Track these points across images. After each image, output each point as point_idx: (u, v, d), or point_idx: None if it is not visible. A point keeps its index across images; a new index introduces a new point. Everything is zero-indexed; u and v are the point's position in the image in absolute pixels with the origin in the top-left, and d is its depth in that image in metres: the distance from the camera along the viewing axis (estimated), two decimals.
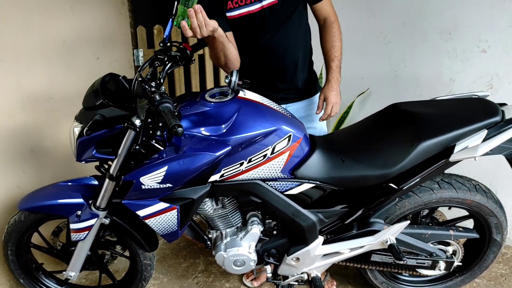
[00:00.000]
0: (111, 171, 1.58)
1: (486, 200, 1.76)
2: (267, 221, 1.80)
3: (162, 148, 1.50)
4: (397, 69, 2.70)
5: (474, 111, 1.61)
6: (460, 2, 2.32)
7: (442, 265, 1.84)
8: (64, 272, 1.84)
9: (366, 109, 2.93)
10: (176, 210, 1.57)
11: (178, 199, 1.57)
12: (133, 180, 1.51)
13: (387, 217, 1.78)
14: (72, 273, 1.83)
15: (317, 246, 1.74)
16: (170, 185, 1.51)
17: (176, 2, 1.65)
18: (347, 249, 1.76)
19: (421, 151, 1.55)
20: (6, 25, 1.98)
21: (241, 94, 1.57)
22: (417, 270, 1.88)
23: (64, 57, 2.20)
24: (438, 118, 1.61)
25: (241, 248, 1.74)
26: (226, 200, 1.71)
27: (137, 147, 1.49)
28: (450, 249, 1.87)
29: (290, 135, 1.54)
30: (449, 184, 1.74)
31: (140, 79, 1.47)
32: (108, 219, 1.74)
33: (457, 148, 1.54)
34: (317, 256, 1.78)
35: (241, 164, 1.53)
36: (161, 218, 1.59)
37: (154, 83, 1.46)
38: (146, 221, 1.60)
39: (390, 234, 1.71)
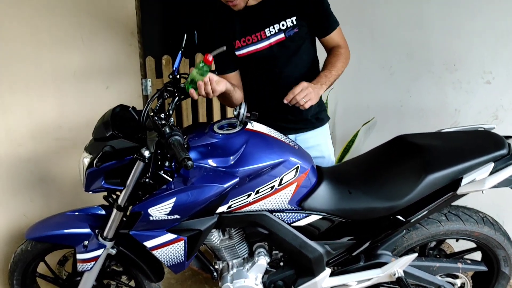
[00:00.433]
0: (119, 201, 1.59)
1: (494, 232, 1.75)
2: (273, 252, 1.79)
3: (171, 179, 1.52)
4: (402, 99, 2.72)
5: (481, 144, 1.62)
6: (464, 34, 2.36)
7: None
8: None
9: (372, 138, 2.94)
10: (183, 241, 1.57)
11: (185, 230, 1.57)
12: (141, 211, 1.51)
13: (394, 249, 1.77)
14: None
15: (324, 278, 1.73)
16: (178, 217, 1.51)
17: (185, 35, 1.69)
18: (354, 281, 1.74)
19: (428, 183, 1.55)
20: (18, 56, 2.03)
21: (249, 126, 1.58)
22: None
23: (74, 86, 2.24)
24: (445, 151, 1.62)
25: (247, 280, 1.72)
26: (233, 231, 1.71)
27: (147, 179, 1.50)
28: (458, 282, 1.85)
29: (298, 167, 1.55)
30: (456, 216, 1.74)
31: (152, 114, 1.49)
32: (115, 249, 1.73)
33: (464, 181, 1.55)
34: None
35: (249, 195, 1.53)
36: (169, 249, 1.59)
37: (163, 114, 1.48)
38: (153, 252, 1.60)
39: (398, 266, 1.70)
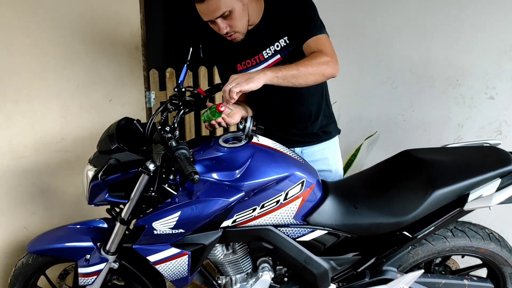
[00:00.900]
0: (122, 215, 1.57)
1: (500, 249, 1.73)
2: (278, 267, 1.78)
3: (175, 193, 1.50)
4: (405, 113, 2.72)
5: (487, 160, 1.61)
6: (467, 49, 2.37)
7: None
8: None
9: (374, 152, 2.94)
10: (187, 255, 1.55)
11: (189, 245, 1.55)
12: (145, 224, 1.50)
13: (400, 265, 1.76)
14: None
15: None
16: (182, 231, 1.50)
17: (190, 48, 1.70)
18: None
19: (435, 199, 1.54)
20: (23, 68, 2.03)
21: (254, 139, 1.58)
22: None
23: (78, 99, 2.24)
24: (451, 166, 1.61)
25: None
26: (237, 246, 1.69)
27: (153, 193, 1.49)
28: None
29: (303, 181, 1.54)
30: (462, 232, 1.72)
31: (159, 127, 1.48)
32: (117, 263, 1.71)
33: (471, 197, 1.54)
34: None
35: (254, 210, 1.52)
36: (172, 263, 1.57)
37: (168, 127, 1.48)
38: (157, 266, 1.58)
39: (404, 283, 1.68)
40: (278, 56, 1.77)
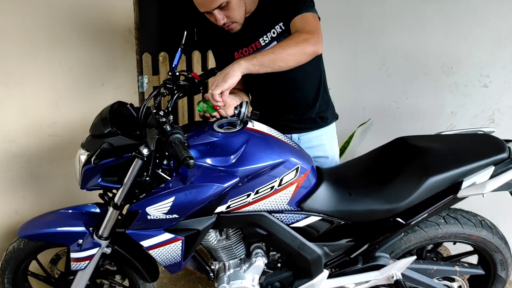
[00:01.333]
0: (115, 199, 1.56)
1: (491, 236, 1.75)
2: (271, 253, 1.78)
3: (169, 178, 1.49)
4: (398, 101, 2.72)
5: (481, 147, 1.61)
6: (462, 37, 2.36)
7: None
8: None
9: (367, 139, 2.94)
10: (181, 241, 1.55)
11: (183, 230, 1.54)
12: (139, 210, 1.48)
13: (392, 251, 1.77)
14: None
15: (322, 280, 1.72)
16: (176, 216, 1.49)
17: (185, 32, 1.67)
18: (352, 283, 1.73)
19: (429, 186, 1.54)
20: (13, 51, 1.99)
21: (249, 125, 1.56)
22: None
23: (70, 82, 2.20)
24: (446, 154, 1.61)
25: (244, 281, 1.70)
26: (230, 231, 1.69)
27: (147, 178, 1.47)
28: (455, 285, 1.85)
29: (298, 167, 1.53)
30: (455, 219, 1.73)
31: (154, 111, 1.46)
32: (110, 248, 1.70)
33: (464, 184, 1.54)
34: None
35: (248, 195, 1.51)
36: (165, 249, 1.56)
37: (162, 112, 1.46)
38: (150, 251, 1.57)
39: (396, 269, 1.69)
40: (275, 42, 1.74)
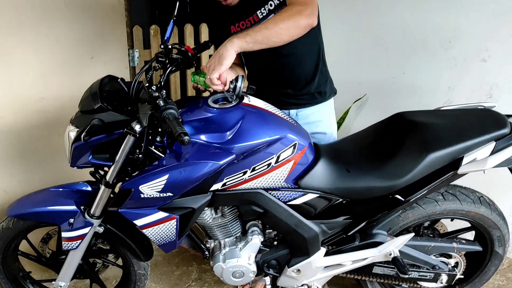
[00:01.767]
0: (107, 178, 1.51)
1: (490, 212, 1.73)
2: (267, 231, 1.75)
3: (162, 155, 1.44)
4: (395, 76, 2.67)
5: (482, 123, 1.58)
6: (461, 11, 2.30)
7: (444, 278, 1.81)
8: (53, 282, 1.76)
9: (363, 115, 2.90)
10: (175, 219, 1.51)
11: (177, 209, 1.51)
12: (132, 188, 1.44)
13: (389, 229, 1.74)
14: (63, 283, 1.75)
15: (319, 258, 1.70)
16: (170, 194, 1.45)
17: (177, 3, 1.60)
18: (349, 261, 1.71)
19: (429, 162, 1.51)
20: None
21: (245, 100, 1.51)
22: (418, 282, 1.85)
23: (58, 56, 2.12)
24: (446, 129, 1.57)
25: (240, 259, 1.68)
26: (226, 209, 1.66)
27: (140, 155, 1.43)
28: (452, 262, 1.84)
29: (295, 144, 1.49)
30: (453, 195, 1.71)
31: (146, 85, 1.40)
32: (102, 227, 1.66)
33: (465, 160, 1.51)
34: (318, 268, 1.73)
35: (245, 173, 1.47)
36: (160, 228, 1.53)
37: (154, 86, 1.40)
38: (144, 230, 1.54)
39: (394, 246, 1.67)
40: (272, 15, 1.68)
